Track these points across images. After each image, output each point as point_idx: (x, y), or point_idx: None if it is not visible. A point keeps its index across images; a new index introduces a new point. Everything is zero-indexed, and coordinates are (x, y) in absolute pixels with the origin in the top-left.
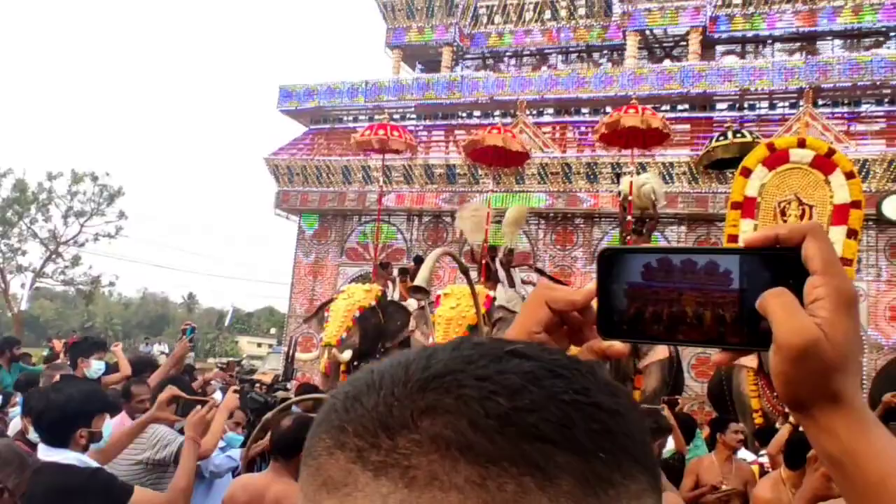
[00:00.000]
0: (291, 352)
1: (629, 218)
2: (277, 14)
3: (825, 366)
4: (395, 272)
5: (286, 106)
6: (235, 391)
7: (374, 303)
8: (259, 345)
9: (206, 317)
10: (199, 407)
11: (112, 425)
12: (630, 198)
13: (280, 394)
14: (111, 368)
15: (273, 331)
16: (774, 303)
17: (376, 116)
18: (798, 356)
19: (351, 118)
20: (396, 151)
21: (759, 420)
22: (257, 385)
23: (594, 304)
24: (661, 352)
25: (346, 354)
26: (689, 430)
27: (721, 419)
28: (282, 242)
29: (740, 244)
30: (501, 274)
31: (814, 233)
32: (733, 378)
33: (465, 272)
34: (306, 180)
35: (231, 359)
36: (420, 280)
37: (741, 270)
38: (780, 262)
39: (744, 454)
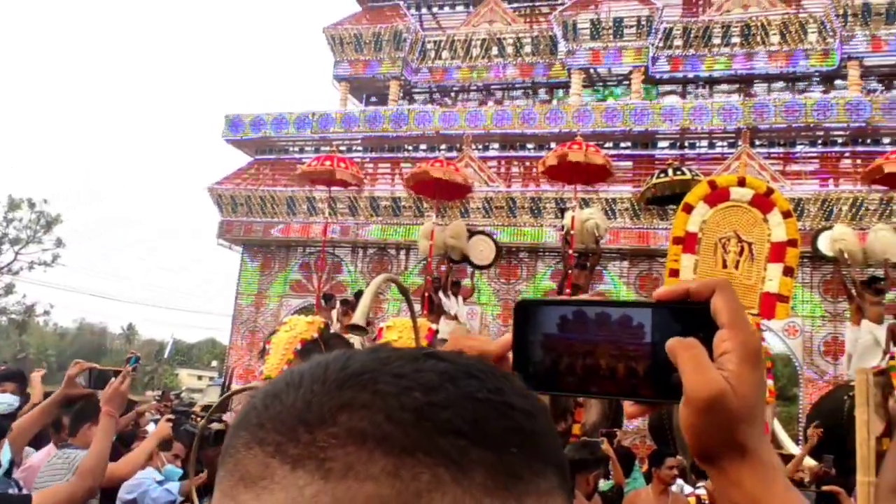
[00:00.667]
0: (229, 383)
1: (571, 252)
2: (221, 43)
3: (731, 417)
4: (338, 304)
5: (232, 135)
6: (168, 420)
7: (316, 335)
8: (200, 377)
9: (145, 348)
10: (114, 379)
11: (37, 456)
12: (572, 232)
13: (214, 425)
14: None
15: (214, 363)
16: (684, 356)
17: (323, 148)
18: (705, 408)
19: (297, 149)
20: (344, 184)
21: None
22: (192, 417)
23: (510, 354)
24: None
25: None
26: (627, 463)
27: (658, 454)
28: (224, 273)
29: (658, 296)
30: (447, 305)
31: (722, 288)
32: (673, 412)
33: (408, 297)
34: (250, 210)
35: (167, 389)
36: (357, 317)
37: (653, 323)
38: (691, 316)
39: (683, 486)
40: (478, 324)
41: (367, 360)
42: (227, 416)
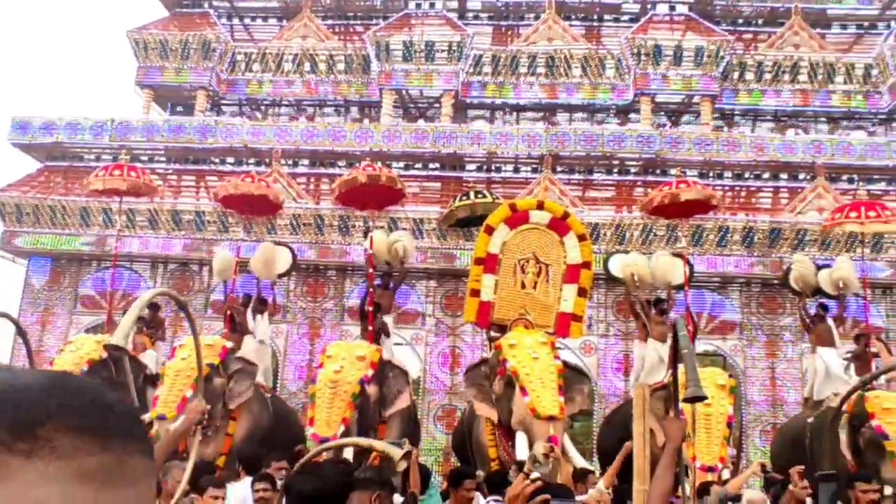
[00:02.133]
0: None
1: (371, 271)
2: (7, 37)
3: None
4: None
5: (19, 139)
6: None
7: (105, 355)
8: None
9: None
10: None
11: None
12: (371, 251)
13: None
14: None
15: None
16: None
17: (121, 157)
18: None
19: (93, 157)
20: (135, 194)
21: (495, 467)
22: None
23: None
24: (404, 400)
25: None
26: (424, 480)
27: (457, 474)
28: (6, 288)
29: None
30: (252, 324)
31: None
32: (474, 429)
33: (186, 311)
34: (38, 221)
35: None
36: (117, 337)
37: None
38: None
39: (479, 499)
40: (283, 343)
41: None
42: None
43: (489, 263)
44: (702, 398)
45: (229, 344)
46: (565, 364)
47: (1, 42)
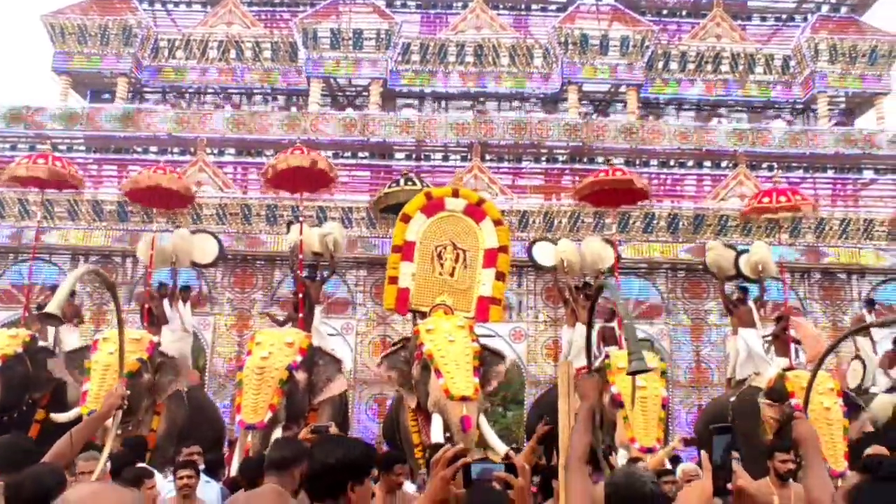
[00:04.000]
0: None
1: (300, 260)
2: None
3: None
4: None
5: None
6: None
7: (20, 350)
8: None
9: None
10: None
11: None
12: (299, 237)
13: None
14: None
15: None
16: None
17: (39, 146)
18: None
19: (8, 146)
20: (59, 185)
21: (419, 453)
22: None
23: None
24: (337, 387)
25: None
26: None
27: (388, 458)
28: None
29: None
30: (170, 314)
31: None
32: (400, 416)
33: (113, 292)
34: None
35: None
36: (52, 306)
37: None
38: None
39: (408, 485)
40: (210, 335)
41: None
42: None
43: (406, 251)
44: (646, 370)
45: (156, 338)
46: (485, 347)
47: None
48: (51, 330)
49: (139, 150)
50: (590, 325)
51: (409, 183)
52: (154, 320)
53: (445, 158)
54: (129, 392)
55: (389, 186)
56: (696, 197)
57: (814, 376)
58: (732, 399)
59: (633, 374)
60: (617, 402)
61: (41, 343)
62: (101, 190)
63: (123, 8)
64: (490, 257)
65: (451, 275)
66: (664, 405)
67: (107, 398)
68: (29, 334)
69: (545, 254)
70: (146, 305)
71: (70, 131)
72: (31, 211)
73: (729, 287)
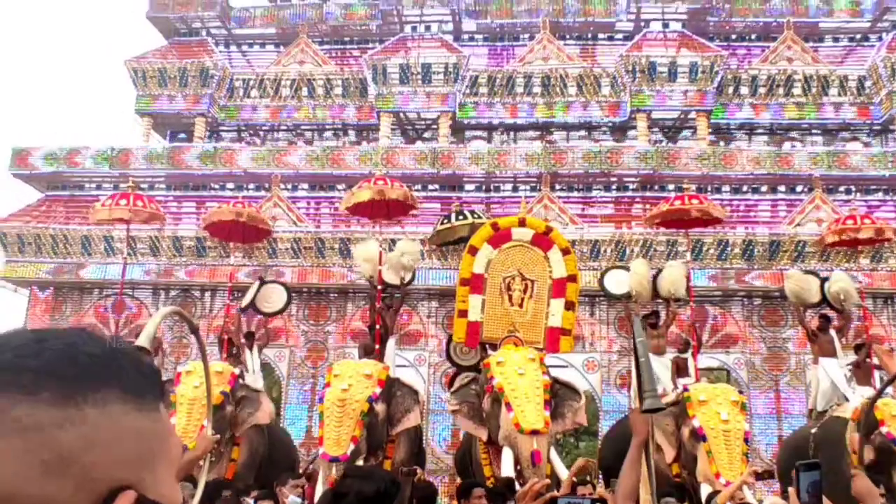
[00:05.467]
0: None
1: (379, 288)
2: (6, 69)
3: None
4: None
5: (19, 169)
6: None
7: None
8: None
9: None
10: None
11: None
12: (380, 268)
13: None
14: None
15: None
16: None
17: (122, 185)
18: None
19: (94, 185)
20: (142, 222)
21: (491, 484)
22: None
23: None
24: (413, 419)
25: None
26: (429, 499)
27: (466, 486)
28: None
29: None
30: (254, 360)
31: None
32: (472, 448)
33: (196, 334)
34: (39, 250)
35: None
36: (142, 339)
37: None
38: None
39: None
40: (285, 366)
41: None
42: None
43: (475, 283)
44: (659, 409)
45: (237, 370)
46: (556, 380)
47: (2, 73)
48: None
49: (216, 186)
50: (636, 357)
51: (462, 217)
52: (232, 351)
53: (515, 189)
54: (218, 436)
55: (441, 223)
56: (772, 223)
57: None
58: (814, 430)
59: (646, 412)
60: (699, 436)
61: None
62: (181, 226)
63: (200, 51)
64: (559, 287)
65: (520, 306)
66: (746, 439)
67: (199, 442)
68: None
69: (617, 282)
70: (226, 338)
71: (152, 170)
72: (116, 247)
73: (808, 314)
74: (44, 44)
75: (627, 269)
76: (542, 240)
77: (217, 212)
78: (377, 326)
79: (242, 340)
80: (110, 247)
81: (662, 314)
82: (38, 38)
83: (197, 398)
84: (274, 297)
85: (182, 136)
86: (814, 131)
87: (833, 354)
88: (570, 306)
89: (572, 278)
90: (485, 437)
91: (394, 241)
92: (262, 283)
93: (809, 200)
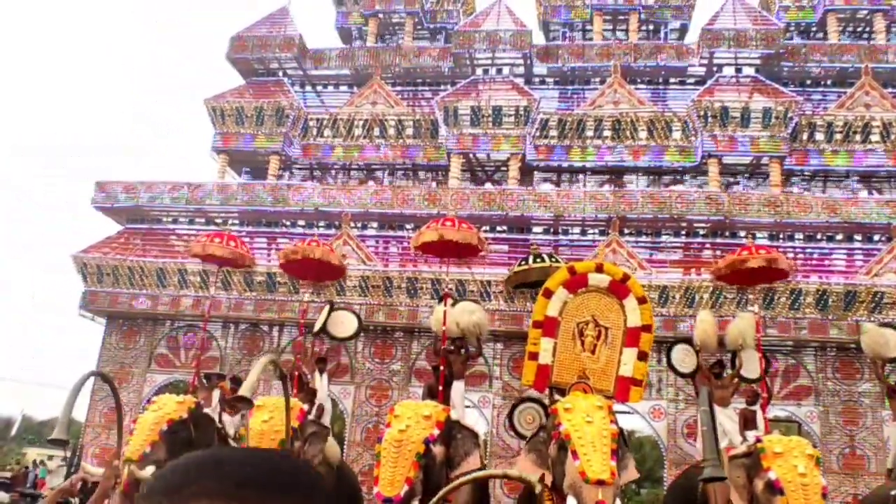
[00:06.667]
0: (78, 461)
1: (444, 330)
2: (91, 105)
3: None
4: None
5: (102, 202)
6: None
7: (185, 416)
8: (50, 457)
9: None
10: None
11: None
12: (443, 328)
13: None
14: None
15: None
16: None
17: (197, 219)
18: None
19: (171, 219)
20: (236, 265)
21: None
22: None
23: None
24: (473, 462)
25: (148, 471)
26: None
27: None
28: (84, 346)
29: None
30: (323, 385)
31: None
32: (535, 494)
33: (284, 381)
34: (117, 281)
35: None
36: (245, 390)
37: None
38: None
39: None
40: (350, 404)
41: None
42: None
43: (548, 327)
44: (721, 478)
45: (306, 406)
46: (621, 431)
47: (89, 113)
48: (215, 396)
49: (287, 223)
50: (711, 408)
51: (539, 260)
52: (303, 387)
53: (583, 233)
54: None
55: (519, 264)
56: (847, 272)
57: None
58: (894, 493)
59: (705, 481)
60: (776, 489)
61: (206, 410)
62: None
63: (276, 91)
64: (633, 336)
65: (592, 352)
66: (825, 494)
67: (103, 480)
68: (195, 401)
69: (682, 359)
70: (296, 373)
71: (226, 206)
72: (189, 280)
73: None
74: (134, 83)
75: (691, 343)
76: (619, 287)
77: (293, 249)
78: (441, 367)
79: (308, 368)
80: (183, 279)
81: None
82: (129, 78)
83: (265, 432)
84: (346, 323)
85: (253, 173)
86: (892, 179)
87: None
88: (642, 356)
89: (647, 328)
90: (549, 483)
91: (461, 282)
92: (332, 307)
93: (888, 250)
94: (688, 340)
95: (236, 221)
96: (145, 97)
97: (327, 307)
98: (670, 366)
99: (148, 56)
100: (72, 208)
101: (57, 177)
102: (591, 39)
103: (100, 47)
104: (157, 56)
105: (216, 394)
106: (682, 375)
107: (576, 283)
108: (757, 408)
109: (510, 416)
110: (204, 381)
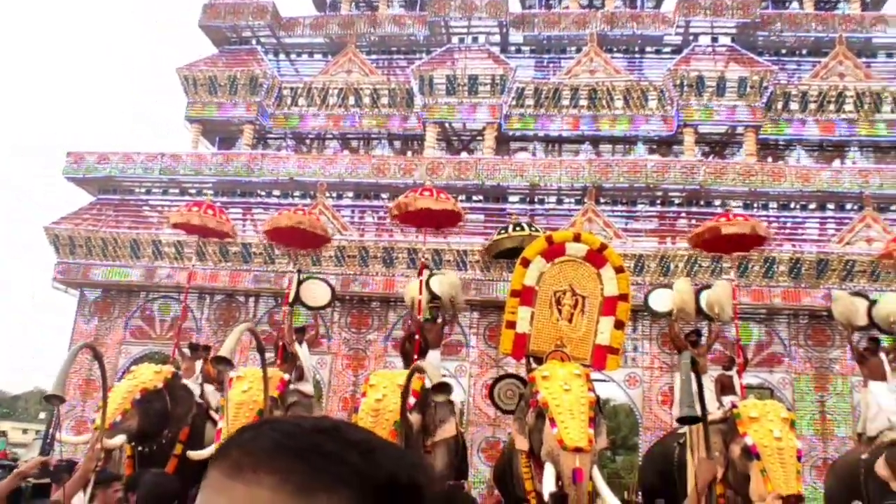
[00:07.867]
0: (53, 431)
1: (420, 300)
2: (62, 76)
3: None
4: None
5: (73, 173)
6: None
7: (160, 385)
8: (25, 431)
9: None
10: None
11: None
12: (418, 298)
13: (33, 480)
14: None
15: (42, 415)
16: None
17: (171, 190)
18: None
19: (144, 190)
20: (220, 235)
21: (533, 501)
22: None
23: None
24: (449, 430)
25: (117, 440)
26: None
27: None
28: (56, 318)
29: None
30: (304, 355)
31: None
32: (513, 461)
33: (262, 351)
34: (90, 252)
35: None
36: (225, 350)
37: None
38: None
39: None
40: (327, 374)
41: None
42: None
43: (525, 296)
44: (696, 419)
45: (286, 376)
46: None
47: (58, 81)
48: (197, 366)
49: (262, 193)
50: (696, 373)
51: (518, 229)
52: (287, 357)
53: (559, 202)
54: None
55: (498, 233)
56: (819, 241)
57: None
58: (864, 456)
59: (682, 421)
60: (752, 454)
61: (188, 381)
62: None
63: (250, 59)
64: (609, 305)
65: (570, 321)
66: (799, 457)
67: (85, 461)
68: (172, 371)
69: (661, 300)
70: (280, 343)
71: (200, 176)
72: (164, 251)
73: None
74: (100, 51)
75: (671, 286)
76: (596, 257)
77: (278, 218)
78: (416, 336)
79: (288, 339)
80: (157, 250)
81: (704, 331)
82: (95, 47)
83: (243, 402)
84: (318, 293)
85: (223, 143)
86: (865, 148)
87: (883, 378)
88: (619, 325)
89: (623, 297)
90: (526, 449)
91: (437, 252)
92: (300, 274)
93: (860, 219)
94: (667, 286)
95: (210, 191)
96: (145, 97)
97: (295, 276)
98: (647, 308)
99: (148, 56)
100: (72, 208)
101: (57, 177)
102: (567, 8)
103: (100, 47)
104: (157, 56)
105: (198, 364)
106: (659, 316)
107: (553, 252)
108: (733, 373)
109: (490, 393)
110: (186, 351)
